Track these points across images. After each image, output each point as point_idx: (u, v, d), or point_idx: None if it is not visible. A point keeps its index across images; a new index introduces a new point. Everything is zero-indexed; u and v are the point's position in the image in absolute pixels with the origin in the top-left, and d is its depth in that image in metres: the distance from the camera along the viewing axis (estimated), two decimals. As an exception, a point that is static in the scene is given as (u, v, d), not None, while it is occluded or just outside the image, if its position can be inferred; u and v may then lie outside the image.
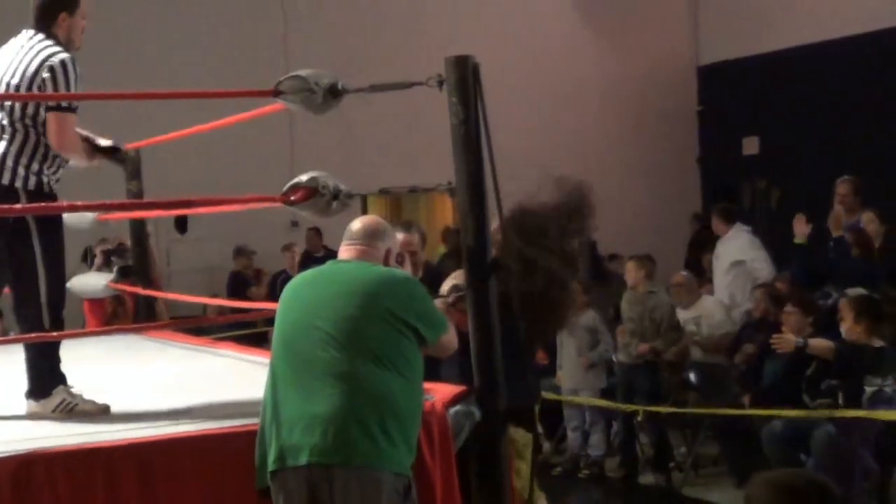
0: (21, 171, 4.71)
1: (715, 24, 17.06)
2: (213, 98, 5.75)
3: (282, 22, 14.74)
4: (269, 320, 11.64)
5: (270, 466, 3.95)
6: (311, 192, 4.81)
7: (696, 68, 17.48)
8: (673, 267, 12.22)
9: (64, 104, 4.68)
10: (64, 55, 4.73)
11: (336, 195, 4.84)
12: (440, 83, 4.82)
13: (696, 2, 17.46)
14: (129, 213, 7.50)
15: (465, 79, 4.78)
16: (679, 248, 15.45)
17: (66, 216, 6.35)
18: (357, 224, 4.42)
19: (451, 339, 4.42)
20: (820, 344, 7.60)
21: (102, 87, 5.73)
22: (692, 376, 9.42)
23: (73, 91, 4.69)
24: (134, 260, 8.23)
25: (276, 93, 4.91)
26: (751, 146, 16.59)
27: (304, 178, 4.85)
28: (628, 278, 9.77)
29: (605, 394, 9.82)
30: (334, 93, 4.89)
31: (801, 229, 9.46)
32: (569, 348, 9.77)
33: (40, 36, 4.80)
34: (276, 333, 4.17)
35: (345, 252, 4.36)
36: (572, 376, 9.77)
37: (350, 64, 12.42)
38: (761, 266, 10.48)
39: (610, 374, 9.90)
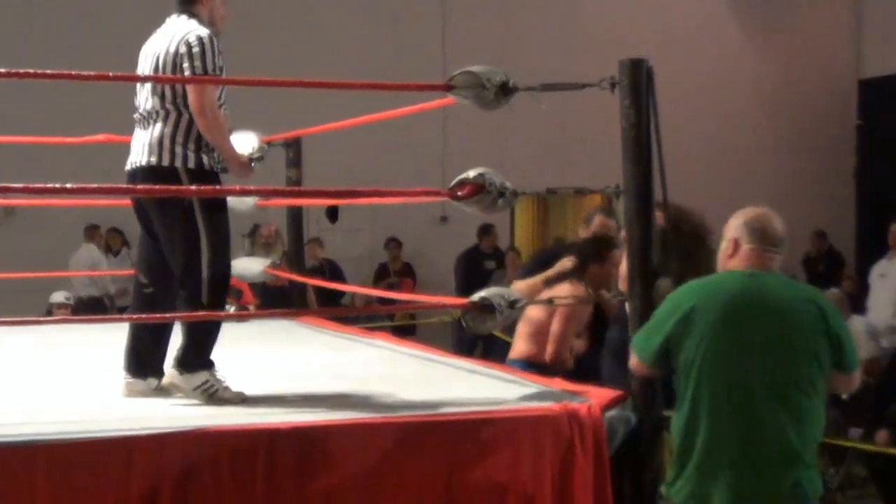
0: (179, 150, 4.69)
1: (879, 38, 16.64)
2: (382, 90, 5.76)
3: (440, 17, 14.81)
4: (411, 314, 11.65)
5: None
6: (478, 188, 4.79)
7: (858, 81, 17.09)
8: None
9: (199, 70, 4.63)
10: (202, 31, 4.71)
11: (502, 193, 4.82)
12: (612, 85, 4.79)
13: (860, 14, 17.08)
14: (289, 200, 7.60)
15: (638, 82, 4.74)
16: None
17: (228, 199, 6.48)
18: (777, 224, 4.18)
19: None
20: None
21: (260, 76, 5.72)
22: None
23: (210, 63, 4.63)
24: (290, 246, 8.35)
25: (448, 87, 4.91)
26: (910, 163, 16.15)
27: (471, 174, 4.83)
28: None
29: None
30: (505, 90, 4.88)
31: None
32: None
33: (184, 17, 4.81)
34: (711, 358, 3.98)
35: (770, 260, 4.13)
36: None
37: (505, 62, 12.40)
38: None
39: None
